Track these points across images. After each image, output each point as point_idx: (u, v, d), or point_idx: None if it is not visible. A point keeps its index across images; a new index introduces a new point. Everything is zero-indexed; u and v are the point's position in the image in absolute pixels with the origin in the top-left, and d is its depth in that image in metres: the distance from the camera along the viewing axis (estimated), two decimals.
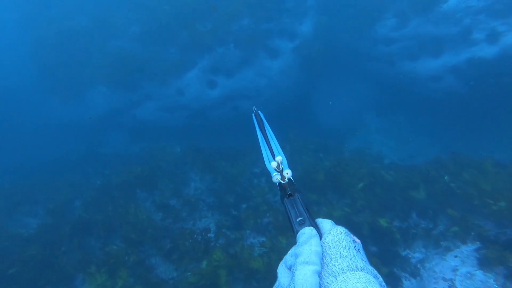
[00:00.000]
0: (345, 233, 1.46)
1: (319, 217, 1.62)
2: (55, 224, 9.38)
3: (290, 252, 1.49)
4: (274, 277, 1.53)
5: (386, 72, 11.76)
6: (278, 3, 11.76)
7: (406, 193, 7.58)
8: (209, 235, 8.04)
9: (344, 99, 12.84)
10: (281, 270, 1.48)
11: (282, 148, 2.13)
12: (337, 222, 1.62)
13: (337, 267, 1.35)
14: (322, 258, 1.39)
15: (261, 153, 2.16)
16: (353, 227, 7.49)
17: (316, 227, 1.53)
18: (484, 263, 5.77)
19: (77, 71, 13.68)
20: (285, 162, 1.96)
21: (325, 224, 1.56)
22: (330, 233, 1.48)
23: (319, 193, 9.21)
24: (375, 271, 1.38)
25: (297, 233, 1.52)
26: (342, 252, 1.39)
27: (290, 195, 1.73)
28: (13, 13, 15.87)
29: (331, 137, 12.43)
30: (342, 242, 1.43)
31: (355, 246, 1.42)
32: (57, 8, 15.28)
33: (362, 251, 1.44)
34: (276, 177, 1.83)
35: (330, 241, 1.45)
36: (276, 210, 8.88)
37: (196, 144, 12.01)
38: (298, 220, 1.57)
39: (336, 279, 1.31)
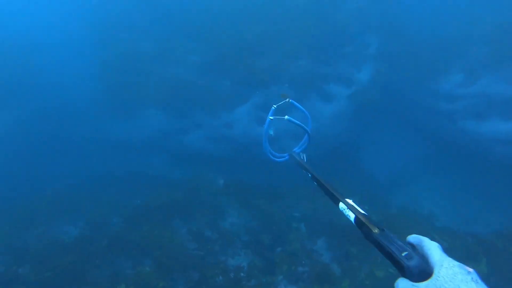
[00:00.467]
0: (458, 265, 1.35)
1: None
2: (93, 237, 9.53)
3: None
4: None
5: (446, 129, 11.16)
6: (339, 48, 11.87)
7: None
8: (241, 274, 7.67)
9: (396, 150, 12.30)
10: None
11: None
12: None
13: None
14: None
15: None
16: None
17: (425, 260, 1.44)
18: None
19: (134, 93, 14.45)
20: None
21: (434, 252, 1.43)
22: (442, 265, 1.36)
23: (360, 248, 8.60)
24: None
25: (408, 268, 1.43)
26: (461, 287, 1.28)
27: (382, 230, 1.68)
28: (85, 34, 17.42)
29: (377, 189, 11.82)
30: (458, 275, 1.31)
31: (472, 278, 1.30)
32: (124, 32, 16.60)
33: (480, 281, 1.30)
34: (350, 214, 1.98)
35: (444, 275, 1.33)
36: (314, 259, 8.35)
37: (239, 178, 11.96)
38: (404, 255, 1.48)
39: None
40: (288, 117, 3.94)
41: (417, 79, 11.59)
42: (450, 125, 10.82)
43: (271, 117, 3.87)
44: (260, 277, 7.86)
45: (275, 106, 4.17)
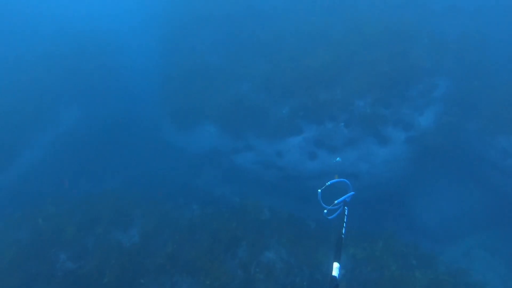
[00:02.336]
0: None
1: None
2: (145, 248, 10.34)
3: None
4: None
5: (510, 188, 10.41)
6: (403, 90, 11.46)
7: None
8: None
9: (452, 202, 11.71)
10: None
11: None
12: None
13: None
14: None
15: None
16: None
17: None
18: None
19: (196, 106, 15.13)
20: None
21: None
22: None
23: None
24: None
25: None
26: None
27: None
28: (156, 45, 18.41)
29: (427, 239, 11.43)
30: None
31: None
32: (193, 45, 17.28)
33: None
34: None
35: None
36: None
37: (285, 209, 12.14)
38: None
39: None
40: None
41: (485, 131, 10.86)
42: None
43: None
44: None
45: (320, 190, 5.17)
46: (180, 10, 17.78)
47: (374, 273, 9.43)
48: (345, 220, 4.75)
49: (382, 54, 12.03)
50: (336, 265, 3.89)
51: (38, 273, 9.48)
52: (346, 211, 4.84)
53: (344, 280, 9.39)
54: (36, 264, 9.65)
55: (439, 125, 11.32)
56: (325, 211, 5.00)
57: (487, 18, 12.81)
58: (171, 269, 9.31)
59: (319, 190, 4.94)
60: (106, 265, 9.51)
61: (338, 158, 11.21)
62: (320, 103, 11.90)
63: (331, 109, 11.65)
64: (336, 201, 4.90)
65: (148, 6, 20.21)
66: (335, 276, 3.74)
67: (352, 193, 5.21)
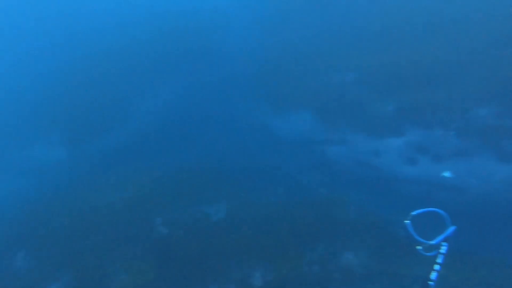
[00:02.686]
0: None
1: None
2: (229, 226, 11.10)
3: None
4: None
5: None
6: None
7: None
8: None
9: None
10: None
11: None
12: None
13: None
14: None
15: None
16: None
17: None
18: None
19: (295, 91, 15.09)
20: None
21: None
22: None
23: None
24: None
25: None
26: None
27: None
28: (255, 27, 18.57)
29: None
30: None
31: None
32: (297, 28, 17.01)
33: None
34: None
35: None
36: None
37: (373, 210, 11.61)
38: None
39: None
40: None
41: None
42: None
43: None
44: None
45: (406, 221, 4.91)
46: None
47: None
48: (439, 261, 4.09)
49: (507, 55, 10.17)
50: None
51: (136, 232, 10.98)
52: (445, 249, 4.15)
53: None
54: (135, 224, 11.20)
55: None
56: (420, 247, 4.35)
57: None
58: (250, 251, 9.81)
59: (407, 222, 4.40)
60: (193, 235, 10.51)
61: (447, 173, 10.09)
62: (430, 104, 10.76)
63: (442, 113, 10.44)
64: (437, 239, 4.28)
65: None
66: None
67: (454, 227, 4.48)
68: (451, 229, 4.60)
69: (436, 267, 4.18)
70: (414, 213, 4.69)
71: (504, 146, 9.70)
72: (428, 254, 4.35)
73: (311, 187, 13.95)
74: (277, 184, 14.17)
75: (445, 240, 4.43)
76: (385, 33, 13.57)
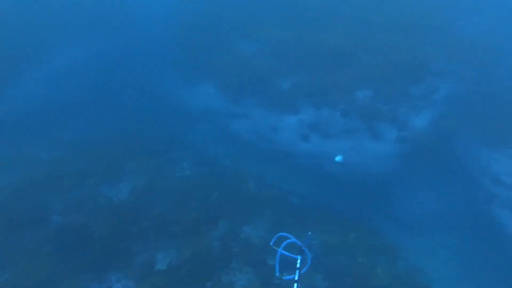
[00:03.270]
0: None
1: None
2: (133, 207, 11.04)
3: None
4: None
5: (477, 203, 10.94)
6: (406, 87, 11.25)
7: None
8: None
9: (429, 200, 12.30)
10: None
11: None
12: None
13: None
14: None
15: None
16: None
17: None
18: None
19: (200, 61, 14.70)
20: None
21: None
22: None
23: None
24: None
25: None
26: None
27: None
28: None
29: (397, 230, 12.27)
30: None
31: None
32: None
33: None
34: None
35: None
36: None
37: (272, 182, 12.70)
38: None
39: None
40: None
41: (479, 140, 10.93)
42: (485, 204, 10.58)
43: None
44: None
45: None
46: None
47: (342, 261, 10.27)
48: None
49: (397, 42, 11.55)
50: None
51: (31, 219, 10.19)
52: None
53: (312, 264, 10.31)
54: (30, 211, 10.35)
55: (433, 128, 11.36)
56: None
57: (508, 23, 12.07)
58: (154, 233, 10.06)
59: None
60: (96, 221, 10.25)
61: (338, 158, 11.45)
62: (321, 86, 11.73)
63: (331, 95, 11.52)
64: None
65: None
66: None
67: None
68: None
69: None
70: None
71: (375, 126, 11.34)
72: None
73: (216, 160, 14.45)
74: (183, 157, 14.30)
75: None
76: (293, 11, 13.80)
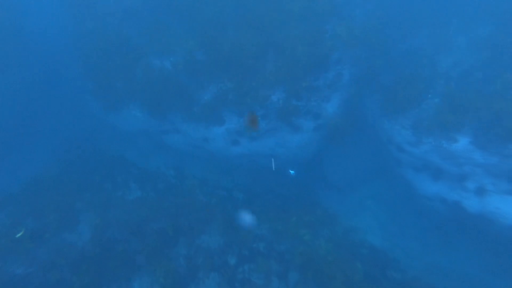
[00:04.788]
0: None
1: None
2: (98, 248, 12.02)
3: None
4: None
5: (389, 162, 13.19)
6: (312, 80, 12.43)
7: None
8: None
9: (351, 165, 14.42)
10: None
11: None
12: None
13: None
14: None
15: None
16: None
17: None
18: None
19: (119, 85, 14.59)
20: None
21: None
22: None
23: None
24: None
25: None
26: None
27: None
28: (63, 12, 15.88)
29: (332, 194, 14.49)
30: None
31: None
32: (106, 11, 15.24)
33: None
34: None
35: None
36: None
37: (216, 184, 14.04)
38: None
39: None
40: None
41: (381, 109, 12.71)
42: (396, 166, 12.80)
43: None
44: None
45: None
46: None
47: (290, 243, 12.32)
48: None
49: (297, 36, 12.35)
50: None
51: None
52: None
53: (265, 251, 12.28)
54: None
55: (343, 110, 12.97)
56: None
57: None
58: (129, 270, 11.29)
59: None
60: (60, 271, 11.14)
61: (292, 171, 12.96)
62: (239, 94, 12.57)
63: (249, 102, 12.48)
64: None
65: None
66: None
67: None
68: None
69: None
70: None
71: (293, 121, 12.70)
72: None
73: (160, 171, 15.29)
74: (128, 178, 15.00)
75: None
76: (195, 21, 13.65)
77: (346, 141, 13.64)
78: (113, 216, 13.12)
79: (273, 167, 12.61)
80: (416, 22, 14.15)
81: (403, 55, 13.47)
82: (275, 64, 12.35)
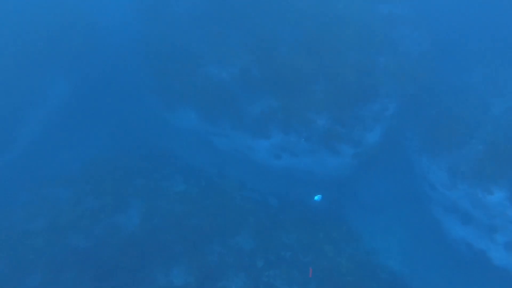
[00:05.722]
0: None
1: None
2: (142, 234, 13.63)
3: None
4: None
5: (420, 196, 13.61)
6: (358, 109, 12.97)
7: None
8: None
9: (380, 193, 14.95)
10: None
11: None
12: None
13: None
14: None
15: None
16: None
17: None
18: None
19: (178, 89, 15.86)
20: None
21: None
22: None
23: None
24: None
25: None
26: None
27: None
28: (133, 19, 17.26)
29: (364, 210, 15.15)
30: None
31: None
32: (173, 21, 16.36)
33: None
34: None
35: None
36: None
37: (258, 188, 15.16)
38: None
39: None
40: None
41: (420, 148, 13.10)
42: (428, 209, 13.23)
43: None
44: None
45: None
46: None
47: (314, 255, 13.30)
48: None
49: (350, 65, 12.86)
50: None
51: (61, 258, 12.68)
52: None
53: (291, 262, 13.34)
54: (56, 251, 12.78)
55: (384, 143, 13.45)
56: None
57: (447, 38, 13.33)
58: (169, 258, 12.78)
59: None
60: (112, 250, 12.77)
61: (317, 197, 13.86)
62: (287, 114, 13.38)
63: (295, 123, 13.28)
64: None
65: None
66: None
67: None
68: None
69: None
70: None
71: (334, 146, 13.37)
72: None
73: (203, 169, 16.56)
74: (175, 171, 16.44)
75: None
76: (254, 37, 14.46)
77: (381, 168, 14.19)
78: (159, 205, 14.66)
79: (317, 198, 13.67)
80: (471, 59, 14.10)
81: (453, 91, 13.57)
82: (325, 89, 12.98)
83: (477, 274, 12.27)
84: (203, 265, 12.76)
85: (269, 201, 15.43)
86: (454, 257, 12.89)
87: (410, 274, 13.90)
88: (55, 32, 16.56)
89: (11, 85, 15.38)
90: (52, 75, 16.34)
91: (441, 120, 12.67)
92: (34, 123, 16.18)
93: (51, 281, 12.07)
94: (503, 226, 10.89)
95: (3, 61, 15.63)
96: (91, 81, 17.23)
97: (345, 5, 13.80)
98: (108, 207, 14.27)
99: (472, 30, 14.63)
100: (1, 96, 15.36)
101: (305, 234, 13.98)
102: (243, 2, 14.73)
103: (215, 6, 15.15)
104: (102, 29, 17.68)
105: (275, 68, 13.52)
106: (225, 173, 16.22)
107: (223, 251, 13.36)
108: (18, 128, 15.69)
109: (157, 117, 17.09)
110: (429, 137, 12.89)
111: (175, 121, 16.46)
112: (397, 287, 13.34)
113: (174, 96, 15.60)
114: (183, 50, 15.08)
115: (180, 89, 15.32)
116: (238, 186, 15.59)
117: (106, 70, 17.53)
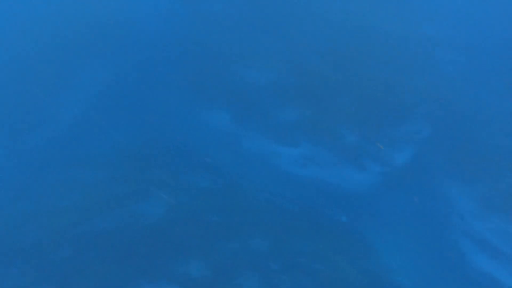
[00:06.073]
0: None
1: None
2: (166, 225, 14.18)
3: None
4: None
5: (444, 222, 13.19)
6: (390, 128, 12.85)
7: None
8: None
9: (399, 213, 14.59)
10: None
11: None
12: None
13: None
14: None
15: None
16: None
17: None
18: None
19: (211, 90, 16.46)
20: None
21: None
22: None
23: None
24: None
25: None
26: None
27: None
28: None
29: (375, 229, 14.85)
30: None
31: None
32: (209, 22, 17.02)
33: None
34: None
35: None
36: None
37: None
38: None
39: None
40: None
41: (447, 177, 12.73)
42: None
43: None
44: None
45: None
46: None
47: (326, 264, 13.22)
48: None
49: (381, 83, 12.80)
50: None
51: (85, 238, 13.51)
52: None
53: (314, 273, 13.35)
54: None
55: (411, 162, 13.18)
56: None
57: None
58: (187, 251, 13.21)
59: None
60: (134, 235, 13.41)
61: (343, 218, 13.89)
62: (317, 125, 13.51)
63: (325, 135, 13.35)
64: None
65: None
66: None
67: None
68: None
69: None
70: None
71: (361, 161, 13.29)
72: None
73: (229, 168, 16.92)
74: (201, 166, 16.92)
75: None
76: (289, 43, 14.81)
77: (407, 189, 13.88)
78: (183, 199, 15.21)
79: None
80: None
81: (492, 120, 13.09)
82: (355, 103, 12.97)
83: None
84: (219, 262, 13.10)
85: (289, 207, 15.49)
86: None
87: None
88: (98, 27, 17.69)
89: (55, 73, 16.65)
90: (92, 65, 17.47)
91: (477, 149, 12.27)
92: (72, 106, 17.31)
93: (78, 257, 12.91)
94: None
95: (51, 51, 16.92)
96: (128, 73, 18.18)
97: (391, 22, 13.76)
98: (134, 195, 15.01)
99: None
100: (47, 80, 16.64)
101: (321, 244, 13.94)
102: (279, 9, 15.04)
103: (251, 10, 15.56)
104: (139, 26, 18.60)
105: (308, 78, 13.72)
106: (249, 175, 16.50)
107: (240, 250, 13.64)
108: (57, 110, 16.88)
109: (191, 114, 17.72)
110: (461, 165, 12.52)
111: (207, 119, 17.00)
112: None
113: (208, 95, 16.18)
114: (220, 51, 15.64)
115: (214, 89, 15.88)
116: (261, 188, 15.82)
117: (141, 65, 18.42)
